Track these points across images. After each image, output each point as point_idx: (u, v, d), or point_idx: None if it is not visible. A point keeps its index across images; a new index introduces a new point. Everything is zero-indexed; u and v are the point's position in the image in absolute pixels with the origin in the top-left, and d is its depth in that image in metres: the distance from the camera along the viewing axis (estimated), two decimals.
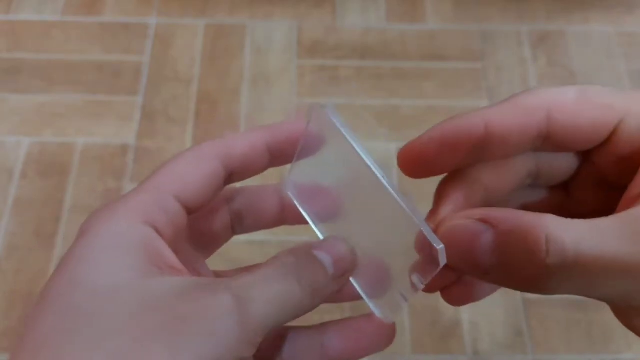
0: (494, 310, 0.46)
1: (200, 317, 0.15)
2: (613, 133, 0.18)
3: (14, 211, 0.49)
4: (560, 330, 0.45)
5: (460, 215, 0.17)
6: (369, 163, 0.19)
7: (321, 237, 0.22)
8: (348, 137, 0.19)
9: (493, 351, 0.45)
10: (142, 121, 0.54)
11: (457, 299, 0.20)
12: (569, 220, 0.15)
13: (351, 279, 0.21)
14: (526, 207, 0.21)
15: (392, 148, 0.52)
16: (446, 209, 0.18)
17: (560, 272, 0.14)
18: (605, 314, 0.46)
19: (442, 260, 0.16)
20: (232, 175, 0.21)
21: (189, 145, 0.45)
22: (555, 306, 0.47)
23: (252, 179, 0.23)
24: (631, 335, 0.45)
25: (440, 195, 0.19)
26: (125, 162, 0.51)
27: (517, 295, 0.47)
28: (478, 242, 0.15)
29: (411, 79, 0.57)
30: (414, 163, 0.19)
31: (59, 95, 0.55)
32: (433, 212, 0.19)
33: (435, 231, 0.17)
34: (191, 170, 0.20)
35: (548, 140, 0.18)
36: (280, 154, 0.22)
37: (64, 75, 0.56)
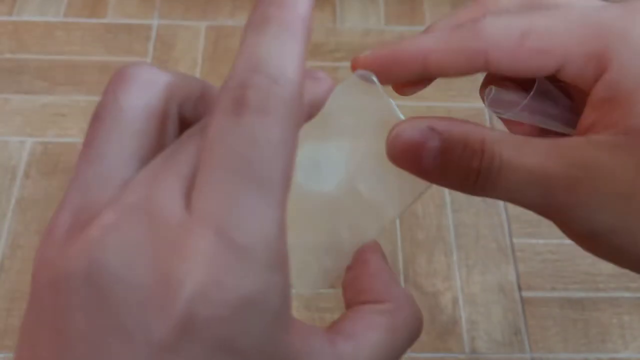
0: (492, 309, 0.47)
1: None
2: (557, 72, 0.19)
3: (17, 211, 0.49)
4: (557, 329, 0.46)
5: (409, 123, 0.18)
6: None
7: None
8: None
9: (491, 350, 0.45)
10: None
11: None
12: (506, 133, 0.18)
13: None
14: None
15: None
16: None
17: (489, 176, 0.17)
18: (602, 314, 0.46)
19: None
20: None
21: None
22: (553, 305, 0.47)
23: None
24: (628, 334, 0.46)
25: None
26: None
27: (516, 294, 0.47)
28: (425, 147, 0.18)
29: None
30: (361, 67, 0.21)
31: (61, 96, 0.55)
32: None
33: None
34: None
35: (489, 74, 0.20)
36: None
37: (66, 76, 0.57)
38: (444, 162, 0.18)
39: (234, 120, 0.12)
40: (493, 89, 0.20)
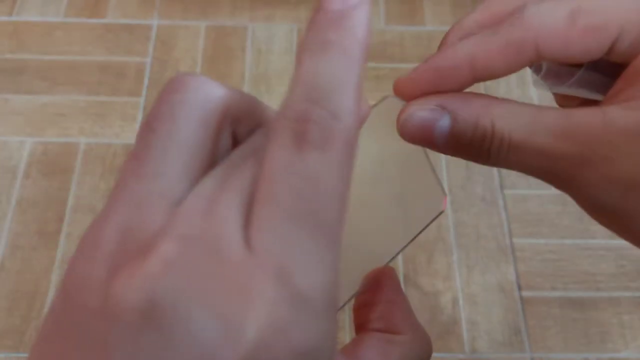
0: (492, 309, 0.47)
1: None
2: (609, 51, 0.18)
3: (17, 211, 0.49)
4: (557, 329, 0.46)
5: (420, 102, 0.18)
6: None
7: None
8: None
9: (491, 349, 0.45)
10: None
11: None
12: (517, 109, 0.18)
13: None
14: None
15: None
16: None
17: (499, 155, 0.18)
18: (602, 313, 0.46)
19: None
20: None
21: None
22: (553, 305, 0.47)
23: None
24: (628, 333, 0.46)
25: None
26: None
27: (516, 294, 0.47)
28: (435, 126, 0.18)
29: None
30: (407, 94, 0.20)
31: (62, 96, 0.55)
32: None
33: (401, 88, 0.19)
34: None
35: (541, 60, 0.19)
36: None
37: (66, 76, 0.57)
38: (455, 142, 0.18)
39: (295, 156, 0.12)
40: (544, 64, 0.20)
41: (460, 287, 0.47)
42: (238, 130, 0.15)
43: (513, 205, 0.51)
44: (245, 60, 0.59)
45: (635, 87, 0.17)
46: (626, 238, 0.19)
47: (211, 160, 0.14)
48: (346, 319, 0.43)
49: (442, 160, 0.53)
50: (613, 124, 0.17)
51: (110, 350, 0.11)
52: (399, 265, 0.48)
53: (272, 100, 0.56)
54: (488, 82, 0.59)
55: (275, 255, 0.12)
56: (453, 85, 0.19)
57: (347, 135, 0.13)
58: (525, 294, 0.47)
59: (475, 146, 0.18)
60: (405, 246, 0.21)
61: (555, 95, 0.23)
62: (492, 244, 0.49)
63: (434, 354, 0.45)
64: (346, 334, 0.44)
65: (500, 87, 0.58)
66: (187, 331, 0.11)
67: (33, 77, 0.56)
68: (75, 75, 0.57)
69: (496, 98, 0.18)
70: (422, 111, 0.18)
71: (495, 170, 0.52)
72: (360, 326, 0.19)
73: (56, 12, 0.60)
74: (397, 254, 0.21)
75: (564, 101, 0.23)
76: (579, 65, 0.20)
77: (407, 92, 0.19)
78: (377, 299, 0.20)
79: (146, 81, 0.57)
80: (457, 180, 0.52)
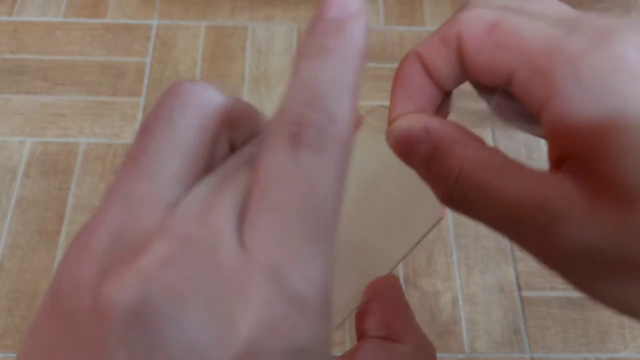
0: (492, 309, 0.47)
1: None
2: (510, 82, 0.17)
3: (17, 210, 0.49)
4: (557, 329, 0.46)
5: (409, 118, 0.18)
6: None
7: None
8: None
9: (491, 349, 0.45)
10: None
11: None
12: (486, 155, 0.17)
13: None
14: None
15: None
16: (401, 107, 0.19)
17: (460, 201, 0.17)
18: (602, 313, 0.46)
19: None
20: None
21: None
22: (553, 305, 0.47)
23: None
24: (627, 334, 0.46)
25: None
26: None
27: (515, 294, 0.47)
28: (416, 148, 0.18)
29: None
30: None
31: (61, 96, 0.55)
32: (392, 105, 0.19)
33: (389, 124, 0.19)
34: None
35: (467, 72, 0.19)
36: None
37: (66, 76, 0.57)
38: (428, 169, 0.18)
39: (290, 158, 0.12)
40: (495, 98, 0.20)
41: (460, 287, 0.47)
42: (235, 137, 0.15)
43: None
44: (245, 60, 0.59)
45: (580, 162, 0.15)
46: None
47: (207, 166, 0.14)
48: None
49: None
50: (596, 222, 0.15)
51: (101, 350, 0.11)
52: (399, 265, 0.48)
53: (272, 100, 0.56)
54: None
55: (269, 255, 0.12)
56: (424, 97, 0.19)
57: (343, 139, 0.13)
58: (525, 294, 0.47)
59: (440, 178, 0.17)
60: (405, 255, 0.21)
61: None
62: (492, 244, 0.49)
63: None
64: (346, 333, 0.44)
65: None
66: (179, 331, 0.11)
67: (33, 77, 0.56)
68: (75, 75, 0.57)
69: (474, 138, 0.18)
70: (409, 127, 0.18)
71: None
72: (361, 335, 0.19)
73: (56, 12, 0.60)
74: (397, 263, 0.21)
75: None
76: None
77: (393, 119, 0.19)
78: (378, 307, 0.19)
79: (146, 81, 0.57)
80: None
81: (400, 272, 0.48)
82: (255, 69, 0.58)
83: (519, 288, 0.48)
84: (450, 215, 0.50)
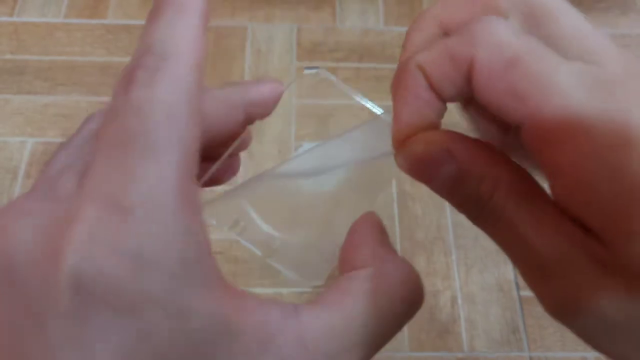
0: (491, 308, 0.47)
1: None
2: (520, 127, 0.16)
3: None
4: (555, 328, 0.46)
5: (426, 138, 0.17)
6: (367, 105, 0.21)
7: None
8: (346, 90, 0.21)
9: (490, 348, 0.45)
10: None
11: None
12: (517, 178, 0.16)
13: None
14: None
15: None
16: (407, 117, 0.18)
17: (488, 224, 0.17)
18: None
19: None
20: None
21: None
22: None
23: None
24: None
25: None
26: None
27: (514, 293, 0.48)
28: (439, 170, 0.16)
29: None
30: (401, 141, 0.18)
31: (62, 96, 0.56)
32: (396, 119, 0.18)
33: (399, 143, 0.17)
34: None
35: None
36: (256, 113, 0.21)
37: (67, 77, 0.57)
38: (452, 192, 0.17)
39: (122, 99, 0.13)
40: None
41: (459, 287, 0.48)
42: None
43: None
44: (245, 60, 0.59)
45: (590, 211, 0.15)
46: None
47: None
48: None
49: None
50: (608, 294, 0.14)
51: None
52: None
53: None
54: None
55: (100, 184, 0.12)
56: (432, 112, 0.17)
57: (178, 71, 0.13)
58: (523, 293, 0.47)
59: (469, 199, 0.16)
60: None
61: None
62: (491, 244, 0.49)
63: (433, 353, 0.45)
64: None
65: None
66: (26, 271, 0.12)
67: (34, 77, 0.57)
68: (75, 76, 0.57)
69: (503, 157, 0.16)
70: (428, 148, 0.16)
71: None
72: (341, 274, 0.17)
73: (57, 12, 0.61)
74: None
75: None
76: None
77: (401, 140, 0.17)
78: (349, 244, 0.17)
79: None
80: None
81: None
82: (254, 68, 0.58)
83: (518, 287, 0.48)
84: (449, 216, 0.50)
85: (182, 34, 0.14)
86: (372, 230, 0.18)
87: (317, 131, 0.43)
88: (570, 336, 0.46)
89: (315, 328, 0.14)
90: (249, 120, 0.21)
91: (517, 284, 0.48)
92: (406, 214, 0.50)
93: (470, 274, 0.48)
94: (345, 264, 0.17)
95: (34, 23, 0.60)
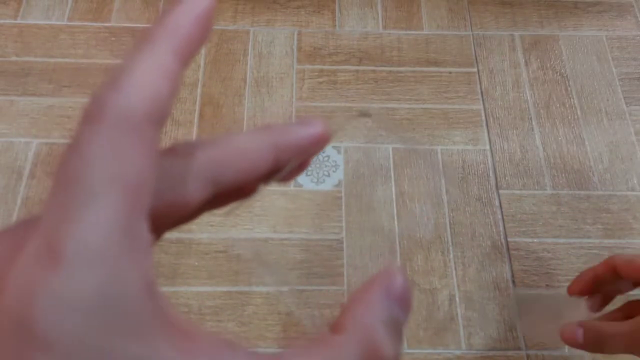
0: (488, 306, 0.48)
1: None
2: None
3: (23, 210, 0.50)
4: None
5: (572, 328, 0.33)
6: None
7: None
8: None
9: (487, 346, 0.46)
10: None
11: None
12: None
13: None
14: None
15: (389, 149, 0.54)
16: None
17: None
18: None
19: None
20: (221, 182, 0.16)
21: None
22: None
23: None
24: None
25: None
26: None
27: (511, 291, 0.48)
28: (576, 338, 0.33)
29: (407, 82, 0.58)
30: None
31: (66, 98, 0.56)
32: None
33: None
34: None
35: None
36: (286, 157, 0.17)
37: (71, 79, 0.58)
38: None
39: (74, 135, 0.13)
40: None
41: (457, 285, 0.48)
42: None
43: (508, 205, 0.52)
44: (246, 64, 0.60)
45: None
46: None
47: None
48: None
49: (440, 161, 0.54)
50: None
51: None
52: (397, 263, 0.49)
53: (273, 101, 0.57)
54: (485, 85, 0.60)
55: (44, 220, 0.13)
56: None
57: (127, 104, 0.13)
58: (519, 291, 0.48)
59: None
60: None
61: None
62: (488, 243, 0.50)
63: (431, 350, 0.46)
64: None
65: (496, 90, 0.59)
66: None
67: (38, 79, 0.57)
68: (80, 78, 0.58)
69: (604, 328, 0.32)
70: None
71: (490, 170, 0.53)
72: None
73: (61, 15, 0.61)
74: None
75: None
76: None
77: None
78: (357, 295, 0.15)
79: None
80: (454, 180, 0.53)
81: None
82: (256, 71, 0.59)
83: (514, 286, 0.49)
84: (447, 215, 0.51)
85: (145, 65, 0.13)
86: (377, 291, 0.14)
87: None
88: None
89: None
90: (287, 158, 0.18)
91: (513, 283, 0.49)
92: (405, 213, 0.51)
93: (468, 272, 0.49)
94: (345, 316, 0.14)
95: (38, 26, 0.61)
